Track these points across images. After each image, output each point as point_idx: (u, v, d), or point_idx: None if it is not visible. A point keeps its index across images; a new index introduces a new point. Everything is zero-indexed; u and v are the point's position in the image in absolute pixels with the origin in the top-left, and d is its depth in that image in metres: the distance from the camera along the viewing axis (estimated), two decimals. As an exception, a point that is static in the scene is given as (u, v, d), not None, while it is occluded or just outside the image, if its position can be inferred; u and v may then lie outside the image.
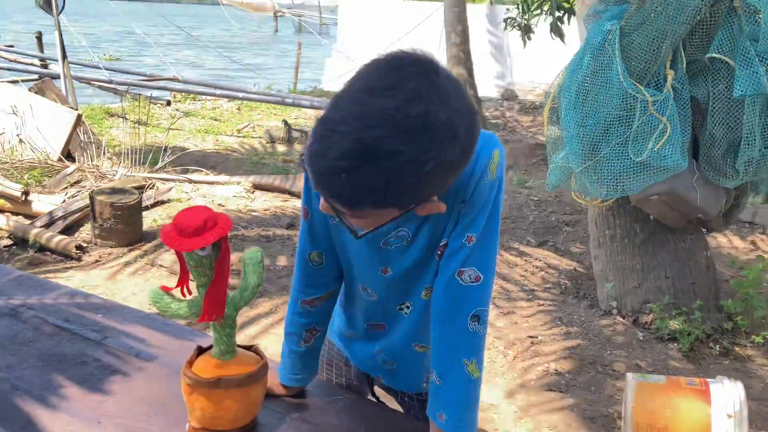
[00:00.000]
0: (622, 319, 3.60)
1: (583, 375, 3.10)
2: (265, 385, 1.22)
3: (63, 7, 6.62)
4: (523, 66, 13.38)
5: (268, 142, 7.84)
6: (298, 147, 7.72)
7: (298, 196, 5.75)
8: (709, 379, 2.52)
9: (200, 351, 1.22)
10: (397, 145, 0.85)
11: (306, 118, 9.19)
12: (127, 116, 7.84)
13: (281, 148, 7.69)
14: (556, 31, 6.08)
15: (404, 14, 13.42)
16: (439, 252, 1.16)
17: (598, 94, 3.25)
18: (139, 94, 9.12)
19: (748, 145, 3.06)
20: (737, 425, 2.35)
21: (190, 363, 1.18)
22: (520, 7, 6.73)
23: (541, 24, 6.99)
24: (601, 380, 3.07)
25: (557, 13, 6.04)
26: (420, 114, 0.85)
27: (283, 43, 35.63)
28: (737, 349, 3.37)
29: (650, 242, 3.59)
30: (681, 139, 3.09)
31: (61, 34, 6.62)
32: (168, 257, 4.11)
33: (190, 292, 1.18)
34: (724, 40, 3.04)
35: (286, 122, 7.88)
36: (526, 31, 6.89)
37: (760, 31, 2.95)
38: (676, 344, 3.35)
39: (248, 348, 1.26)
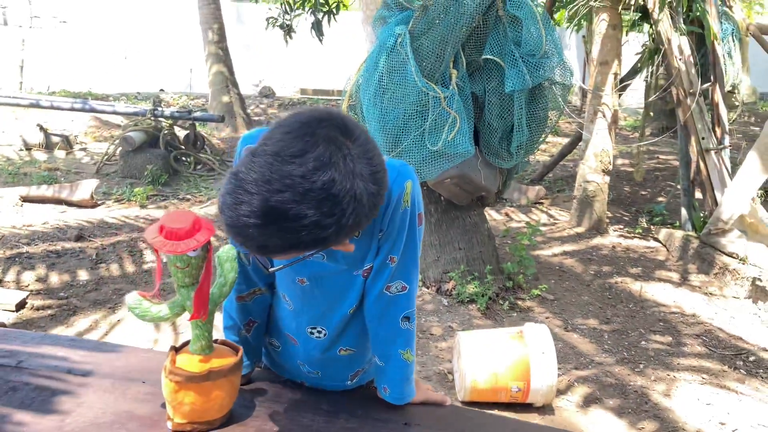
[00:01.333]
0: (427, 290, 4.07)
1: (408, 342, 3.47)
2: (241, 373, 1.31)
3: None
4: (277, 64, 13.65)
5: (22, 150, 7.07)
6: (59, 154, 7.09)
7: (77, 205, 5.36)
8: (522, 327, 3.05)
9: (176, 350, 1.27)
10: (300, 210, 0.94)
11: (57, 122, 8.41)
12: None
13: (41, 155, 6.99)
14: (318, 30, 6.41)
15: (160, 6, 12.86)
16: (363, 273, 1.30)
17: (395, 91, 3.62)
18: None
19: (519, 131, 3.67)
20: (549, 359, 2.92)
21: (173, 362, 1.23)
22: (283, 6, 6.94)
23: (301, 24, 7.26)
24: (424, 344, 3.47)
25: (318, 15, 6.36)
26: (325, 183, 0.94)
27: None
28: (519, 302, 4.03)
29: (443, 220, 4.10)
30: (468, 129, 3.60)
31: None
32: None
33: (160, 296, 1.23)
34: (494, 44, 3.60)
35: (41, 127, 7.17)
36: (288, 30, 7.14)
37: (521, 36, 3.55)
38: (474, 305, 3.89)
39: (217, 341, 1.33)
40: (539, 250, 5.07)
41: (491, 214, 5.98)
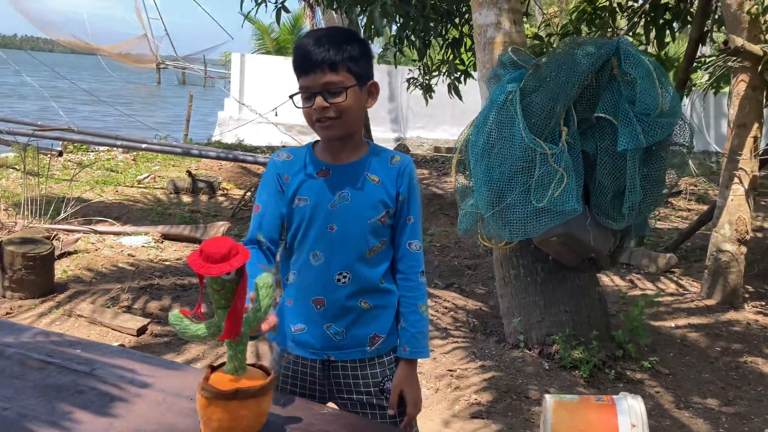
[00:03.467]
0: (529, 351, 3.94)
1: (501, 403, 3.37)
2: (272, 398, 1.37)
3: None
4: (414, 124, 14.09)
5: (171, 193, 7.79)
6: (203, 198, 7.73)
7: (209, 245, 5.78)
8: (614, 396, 2.89)
9: (212, 369, 1.36)
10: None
11: (207, 169, 9.20)
12: (17, 167, 7.54)
13: (186, 198, 7.66)
14: (455, 90, 6.60)
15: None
16: (380, 219, 1.65)
17: (503, 147, 3.63)
18: (28, 144, 8.78)
19: (632, 192, 3.53)
20: (641, 432, 2.71)
21: (207, 379, 1.32)
22: (421, 68, 7.22)
23: (440, 84, 7.50)
24: (517, 406, 3.35)
25: (455, 75, 6.56)
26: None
27: (168, 94, 35.09)
28: (629, 373, 3.79)
29: (550, 280, 3.98)
30: (576, 186, 3.51)
31: (-49, 82, 6.34)
32: (86, 307, 4.04)
33: (204, 316, 1.33)
34: (607, 102, 3.53)
35: (190, 173, 7.88)
36: (428, 90, 7.39)
37: (636, 95, 3.45)
38: (577, 371, 3.71)
39: (253, 365, 1.41)
40: (661, 321, 4.75)
41: (614, 279, 5.71)
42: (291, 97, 1.63)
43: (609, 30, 6.61)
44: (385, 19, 5.69)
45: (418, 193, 1.71)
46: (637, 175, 3.51)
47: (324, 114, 1.56)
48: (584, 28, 6.76)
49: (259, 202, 1.70)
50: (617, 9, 6.67)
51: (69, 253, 5.07)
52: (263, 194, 1.69)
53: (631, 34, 6.67)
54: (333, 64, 1.54)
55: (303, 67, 1.56)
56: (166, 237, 5.76)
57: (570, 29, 6.71)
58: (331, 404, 1.75)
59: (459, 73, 6.68)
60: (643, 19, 6.43)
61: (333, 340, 1.68)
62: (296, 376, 1.74)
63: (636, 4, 6.70)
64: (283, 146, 12.55)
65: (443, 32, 6.79)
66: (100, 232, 5.62)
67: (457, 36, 6.81)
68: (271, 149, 12.05)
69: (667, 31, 6.26)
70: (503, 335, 4.18)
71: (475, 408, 3.29)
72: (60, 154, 9.36)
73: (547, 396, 2.90)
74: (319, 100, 1.55)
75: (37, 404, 1.43)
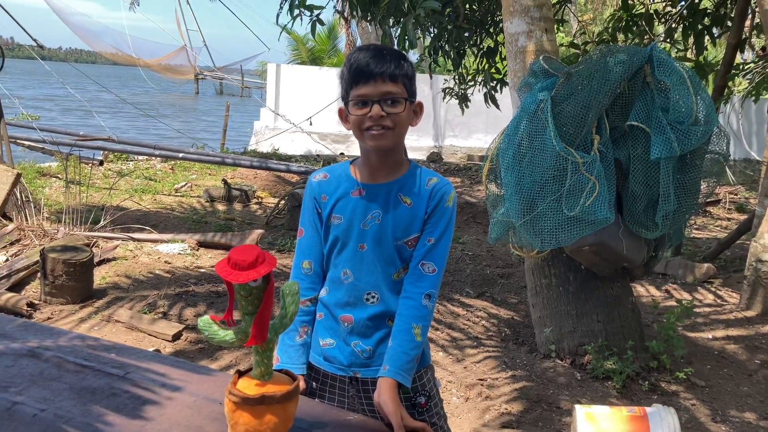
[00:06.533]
0: (560, 361, 3.90)
1: (531, 413, 3.35)
2: (297, 403, 1.39)
3: (1, 67, 6.61)
4: (448, 132, 14.08)
5: (207, 201, 7.93)
6: (238, 206, 7.85)
7: (243, 253, 5.86)
8: (646, 407, 2.85)
9: (240, 374, 1.39)
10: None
11: (242, 178, 9.33)
12: (60, 176, 7.77)
13: (221, 207, 7.79)
14: (491, 99, 6.59)
15: (334, 79, 13.94)
16: (408, 243, 1.66)
17: (534, 156, 3.62)
18: (70, 154, 9.04)
19: (665, 200, 3.48)
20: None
21: (234, 383, 1.35)
22: (457, 78, 7.23)
23: (475, 93, 7.49)
24: (548, 416, 3.33)
25: (490, 84, 6.55)
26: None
27: (205, 104, 35.70)
28: (663, 384, 3.72)
29: (583, 289, 3.94)
30: (608, 195, 3.48)
31: (-2, 94, 6.58)
32: (124, 313, 4.14)
33: (234, 323, 1.36)
34: (640, 110, 3.49)
35: (225, 181, 8.01)
36: (464, 100, 7.40)
37: (670, 103, 3.41)
38: (610, 382, 3.66)
39: (279, 371, 1.43)
40: (698, 332, 4.66)
41: (649, 290, 5.62)
42: (346, 103, 1.64)
43: (646, 37, 6.53)
44: (419, 30, 5.72)
45: (448, 219, 1.68)
46: (670, 183, 3.46)
47: (379, 122, 1.59)
48: (620, 36, 6.69)
49: (302, 225, 1.76)
50: (654, 15, 6.59)
51: (108, 260, 5.20)
52: (305, 217, 1.75)
53: (668, 40, 6.59)
54: (393, 76, 1.59)
55: (363, 75, 1.59)
56: (201, 245, 5.87)
57: (606, 37, 6.66)
58: None
59: (495, 82, 6.67)
60: (681, 25, 6.34)
61: (360, 357, 1.70)
62: (324, 388, 1.77)
63: (674, 10, 6.62)
64: (317, 155, 12.69)
65: (478, 42, 6.79)
66: (138, 240, 5.75)
67: (491, 45, 6.80)
68: (306, 158, 12.17)
69: (706, 37, 6.16)
70: (535, 345, 4.15)
71: (506, 418, 3.28)
72: (101, 163, 9.61)
73: (577, 406, 2.87)
74: (376, 108, 1.57)
75: (72, 406, 1.48)
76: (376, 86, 1.57)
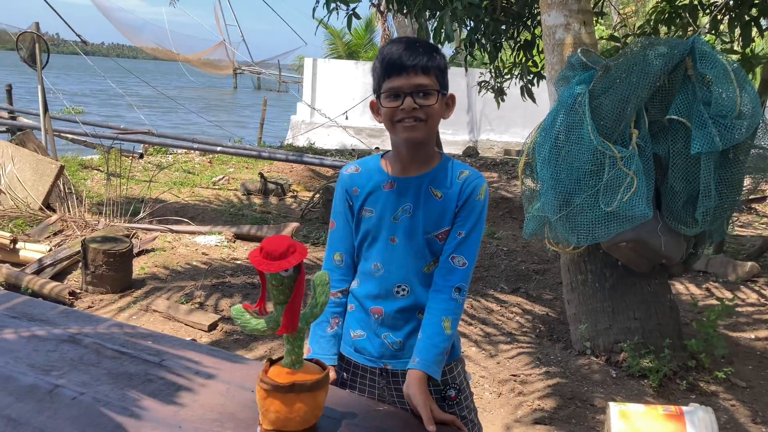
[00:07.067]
0: (595, 359, 3.85)
1: (565, 410, 3.31)
2: (327, 392, 1.41)
3: (47, 62, 6.78)
4: (484, 126, 13.98)
5: (243, 194, 8.03)
6: (273, 199, 7.93)
7: (278, 245, 5.92)
8: (683, 407, 2.80)
9: (271, 363, 1.41)
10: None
11: (278, 172, 9.42)
12: (101, 168, 7.94)
13: (257, 200, 7.88)
14: (528, 93, 6.53)
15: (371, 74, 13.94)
16: (438, 236, 1.66)
17: (571, 150, 3.57)
18: (111, 147, 9.24)
19: (705, 197, 3.40)
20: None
21: (266, 371, 1.37)
22: (493, 71, 7.16)
23: (511, 87, 7.42)
24: (581, 414, 3.29)
25: (527, 77, 6.48)
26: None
27: (243, 98, 36.08)
28: (702, 384, 3.65)
29: (619, 286, 3.88)
30: (646, 190, 3.41)
31: (43, 89, 6.76)
32: (162, 303, 4.22)
33: (266, 312, 1.38)
34: (681, 104, 3.42)
35: (262, 175, 8.10)
36: (500, 93, 7.33)
37: (712, 96, 3.33)
38: (646, 380, 3.60)
39: (310, 360, 1.45)
40: (740, 332, 4.55)
41: (689, 287, 5.51)
42: (378, 95, 1.64)
43: (690, 29, 6.37)
44: (455, 23, 5.68)
45: (479, 212, 1.66)
46: (711, 179, 3.38)
47: (412, 114, 1.59)
48: (663, 28, 6.54)
49: (334, 218, 1.77)
50: (698, 6, 6.42)
51: (146, 251, 5.31)
52: (336, 209, 1.76)
53: (713, 32, 6.41)
54: (426, 68, 1.58)
55: (395, 68, 1.59)
56: (238, 237, 5.94)
57: (647, 30, 6.51)
58: None
59: (532, 76, 6.59)
60: (727, 16, 6.17)
61: (390, 349, 1.71)
62: (355, 379, 1.78)
63: (719, 1, 6.43)
64: (352, 149, 12.72)
65: (515, 34, 6.71)
66: (176, 232, 5.85)
67: (528, 38, 6.72)
68: (340, 152, 12.22)
69: (753, 28, 5.98)
70: (570, 342, 4.11)
71: (538, 414, 3.25)
72: (141, 156, 9.80)
73: (611, 404, 2.83)
74: (408, 100, 1.57)
75: (110, 390, 1.52)
76: (409, 78, 1.57)
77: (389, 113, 1.61)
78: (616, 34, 6.55)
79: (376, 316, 1.71)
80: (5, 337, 1.77)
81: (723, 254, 6.35)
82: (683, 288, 5.48)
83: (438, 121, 1.66)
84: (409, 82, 1.58)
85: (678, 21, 6.43)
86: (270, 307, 1.39)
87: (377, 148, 13.17)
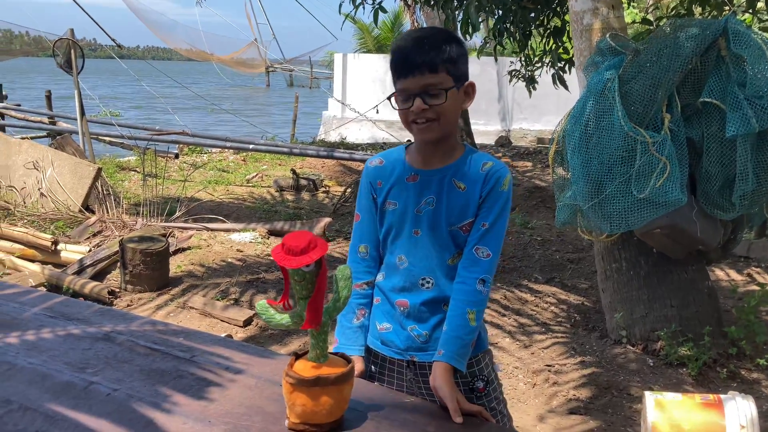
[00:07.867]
0: (632, 348, 3.80)
1: (601, 399, 3.28)
2: (352, 385, 1.42)
3: (82, 67, 6.94)
4: (517, 115, 13.84)
5: (276, 191, 8.11)
6: (306, 195, 7.99)
7: (311, 241, 5.97)
8: (721, 395, 2.74)
9: (297, 357, 1.43)
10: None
11: (310, 167, 9.49)
12: (137, 169, 8.10)
13: (290, 196, 7.95)
14: (560, 80, 6.44)
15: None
16: (462, 228, 1.64)
17: (601, 137, 3.52)
18: (147, 148, 9.41)
19: (742, 180, 3.32)
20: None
21: (291, 366, 1.38)
22: (523, 60, 7.09)
23: (543, 75, 7.33)
24: (617, 403, 3.25)
25: (558, 64, 6.40)
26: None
27: (276, 96, 36.37)
28: (743, 372, 3.57)
29: (654, 273, 3.81)
30: (680, 176, 3.35)
31: (80, 93, 6.92)
32: (198, 300, 4.30)
33: (291, 307, 1.40)
34: (714, 86, 3.33)
35: (294, 171, 8.17)
36: (531, 81, 7.26)
37: (747, 76, 3.24)
38: (685, 369, 3.54)
39: (335, 354, 1.46)
40: (783, 318, 4.43)
41: (729, 273, 5.38)
42: (389, 98, 1.65)
43: (726, 9, 6.20)
44: (482, 13, 5.63)
45: (503, 203, 1.64)
46: (749, 162, 3.29)
47: (423, 116, 1.58)
48: (697, 9, 6.38)
49: (359, 210, 1.78)
50: (734, -15, 6.24)
51: (183, 250, 5.41)
52: (361, 202, 1.77)
53: (750, 11, 6.23)
54: (432, 65, 1.55)
55: (402, 69, 1.58)
56: (271, 233, 6.01)
57: (681, 11, 6.36)
58: None
59: (563, 63, 6.50)
60: (764, -6, 5.99)
61: (416, 342, 1.71)
62: (383, 372, 1.79)
63: (755, -22, 6.23)
64: (383, 143, 12.72)
65: (544, 21, 6.62)
66: (212, 230, 5.94)
67: (558, 25, 6.62)
68: (371, 146, 12.24)
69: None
70: (605, 331, 4.06)
71: (573, 404, 3.22)
72: (176, 156, 9.97)
73: (647, 393, 2.79)
74: (418, 102, 1.56)
75: (142, 386, 1.56)
76: (415, 80, 1.56)
77: (403, 115, 1.62)
78: (648, 17, 6.40)
79: (402, 308, 1.71)
80: (43, 336, 1.83)
81: (765, 238, 6.19)
82: (723, 274, 5.36)
83: (454, 117, 1.65)
84: (416, 84, 1.56)
85: (712, 1, 6.27)
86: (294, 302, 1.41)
87: (409, 140, 13.15)
